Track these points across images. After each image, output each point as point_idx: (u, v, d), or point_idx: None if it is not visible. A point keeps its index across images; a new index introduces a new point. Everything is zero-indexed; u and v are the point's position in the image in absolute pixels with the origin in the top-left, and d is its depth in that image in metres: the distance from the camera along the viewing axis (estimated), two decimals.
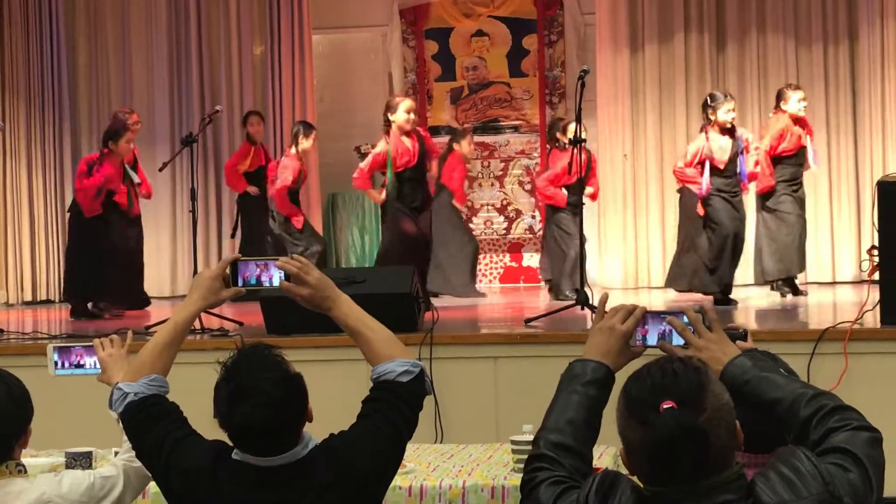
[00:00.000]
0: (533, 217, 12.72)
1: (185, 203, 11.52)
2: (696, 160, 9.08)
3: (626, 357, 2.58)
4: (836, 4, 11.54)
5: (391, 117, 9.01)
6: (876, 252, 6.76)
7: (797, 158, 9.54)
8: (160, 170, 9.82)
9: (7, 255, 12.04)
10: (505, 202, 12.89)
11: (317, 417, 2.90)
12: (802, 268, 9.85)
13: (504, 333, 7.14)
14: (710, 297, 9.13)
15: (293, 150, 10.43)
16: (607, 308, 2.63)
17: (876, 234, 6.82)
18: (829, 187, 11.51)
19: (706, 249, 9.13)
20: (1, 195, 12.05)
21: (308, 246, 10.32)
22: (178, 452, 2.88)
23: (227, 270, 3.09)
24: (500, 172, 12.89)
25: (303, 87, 12.13)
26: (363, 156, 11.25)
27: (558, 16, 12.74)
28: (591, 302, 7.67)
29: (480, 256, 11.84)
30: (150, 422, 2.94)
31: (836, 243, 11.50)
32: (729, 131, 9.06)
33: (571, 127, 9.27)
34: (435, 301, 8.32)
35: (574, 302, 7.97)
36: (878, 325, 6.67)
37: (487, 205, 12.84)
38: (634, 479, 2.32)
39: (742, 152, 9.12)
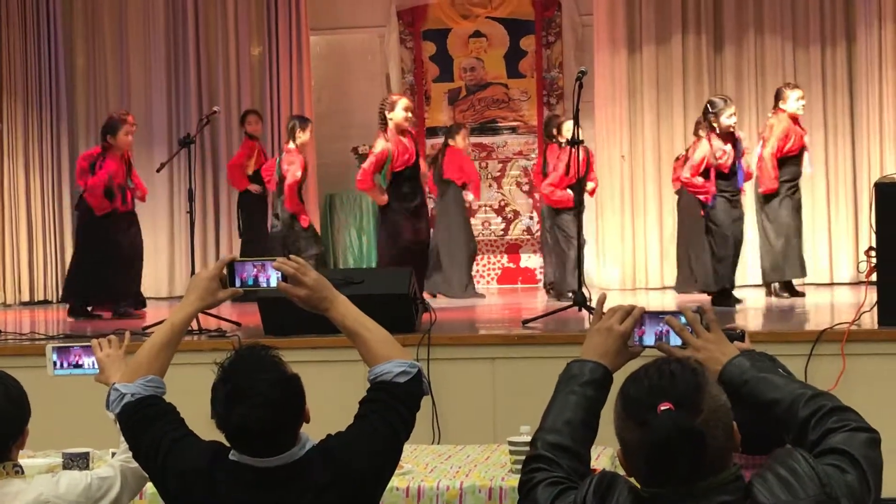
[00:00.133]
0: (531, 218, 12.71)
1: (182, 204, 11.52)
2: (703, 168, 9.05)
3: (624, 357, 2.57)
4: (834, 6, 11.55)
5: (389, 115, 8.94)
6: (873, 253, 6.76)
7: (799, 158, 9.53)
8: (158, 171, 9.75)
9: (5, 256, 12.02)
10: (503, 203, 12.88)
11: (314, 418, 2.89)
12: (803, 273, 9.75)
13: (502, 334, 7.13)
14: (709, 297, 9.12)
15: (291, 144, 10.16)
16: (605, 308, 2.63)
17: (873, 236, 6.81)
18: (827, 189, 11.52)
19: (707, 250, 9.13)
20: None
21: (308, 247, 10.27)
22: (175, 453, 2.87)
23: (225, 271, 3.08)
24: (498, 173, 12.89)
25: (300, 88, 12.12)
26: (361, 157, 11.22)
27: (556, 17, 12.74)
28: (588, 303, 7.67)
29: (478, 257, 11.84)
30: (146, 422, 2.93)
31: (834, 245, 11.51)
32: (730, 135, 9.06)
33: (567, 124, 9.26)
34: (432, 302, 8.30)
35: (572, 303, 7.96)
36: (876, 327, 6.67)
37: (485, 206, 12.83)
38: (632, 480, 2.32)
39: (740, 154, 9.13)
